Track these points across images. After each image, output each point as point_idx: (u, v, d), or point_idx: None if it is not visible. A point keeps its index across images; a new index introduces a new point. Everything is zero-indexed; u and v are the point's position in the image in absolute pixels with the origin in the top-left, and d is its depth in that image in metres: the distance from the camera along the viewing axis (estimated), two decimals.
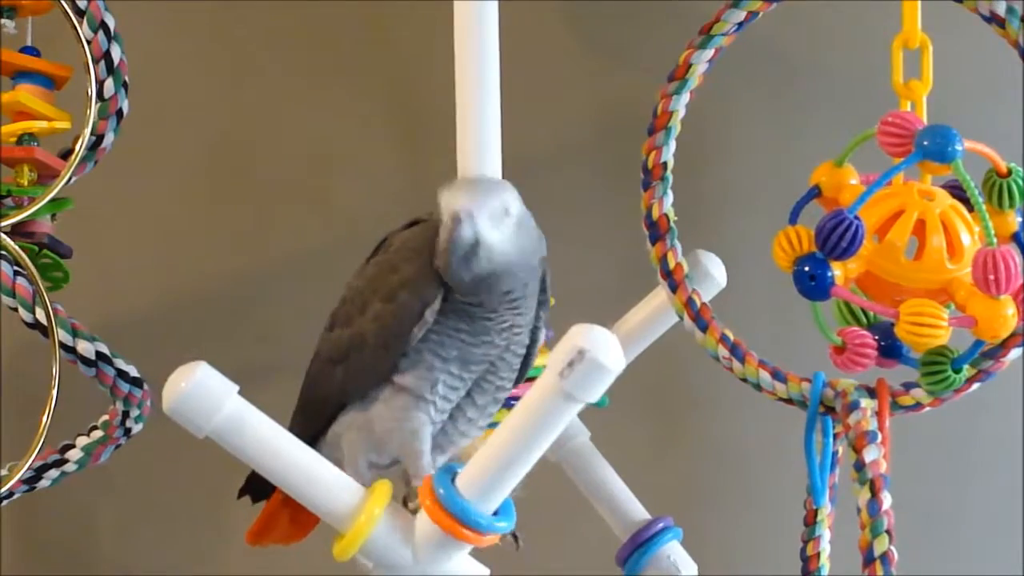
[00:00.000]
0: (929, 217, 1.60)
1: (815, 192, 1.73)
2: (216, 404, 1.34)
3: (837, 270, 1.58)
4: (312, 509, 1.42)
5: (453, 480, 1.37)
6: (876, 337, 1.64)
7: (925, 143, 1.57)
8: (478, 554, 1.47)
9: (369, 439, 1.50)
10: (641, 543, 1.81)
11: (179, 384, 1.34)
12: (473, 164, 1.79)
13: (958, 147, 1.57)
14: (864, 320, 1.69)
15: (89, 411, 1.81)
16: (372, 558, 1.42)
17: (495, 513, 1.39)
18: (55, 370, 1.68)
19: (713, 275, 1.81)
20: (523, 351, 1.51)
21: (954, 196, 1.64)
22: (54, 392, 1.68)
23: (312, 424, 1.50)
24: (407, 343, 1.46)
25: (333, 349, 1.52)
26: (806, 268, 1.59)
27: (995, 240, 1.55)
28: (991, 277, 1.51)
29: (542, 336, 1.54)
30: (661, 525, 1.81)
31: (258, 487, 1.59)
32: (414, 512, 1.44)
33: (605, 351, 1.27)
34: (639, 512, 1.84)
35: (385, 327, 1.46)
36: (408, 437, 1.48)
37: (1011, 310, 1.54)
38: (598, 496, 1.85)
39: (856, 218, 1.56)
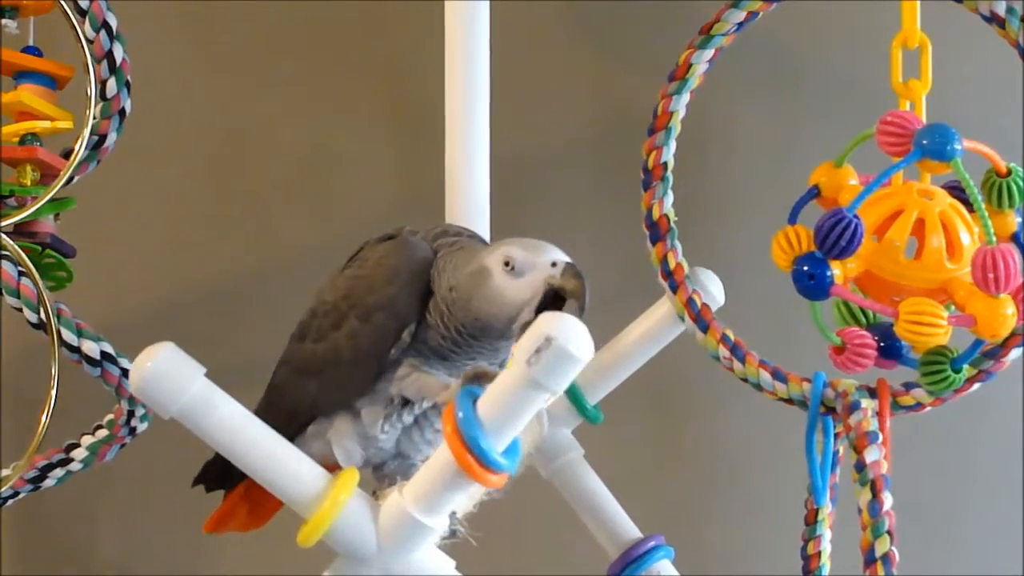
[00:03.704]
0: (928, 216, 1.60)
1: (814, 192, 1.74)
2: (183, 385, 1.34)
3: (836, 269, 1.58)
4: (277, 495, 1.41)
5: (475, 405, 1.34)
6: (876, 337, 1.64)
7: (924, 142, 1.57)
8: (467, 553, 1.47)
9: (359, 431, 1.50)
10: (632, 561, 1.80)
11: (145, 363, 1.34)
12: (460, 166, 1.79)
13: (957, 146, 1.57)
14: (864, 320, 1.69)
15: (93, 411, 1.81)
16: (336, 546, 1.41)
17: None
18: (54, 369, 1.68)
19: (712, 292, 1.80)
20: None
21: (954, 196, 1.64)
22: (53, 392, 1.68)
23: (283, 432, 1.45)
24: (384, 362, 1.46)
25: (305, 361, 1.51)
26: (805, 267, 1.59)
27: (995, 240, 1.55)
28: (991, 276, 1.51)
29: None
30: (652, 543, 1.80)
31: (213, 477, 1.59)
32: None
33: (573, 339, 1.26)
34: (630, 530, 1.83)
35: (360, 347, 1.46)
36: (421, 388, 1.47)
37: (1011, 309, 1.54)
38: (589, 513, 1.84)
39: (855, 217, 1.56)
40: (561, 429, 1.85)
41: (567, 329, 1.26)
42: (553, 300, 1.42)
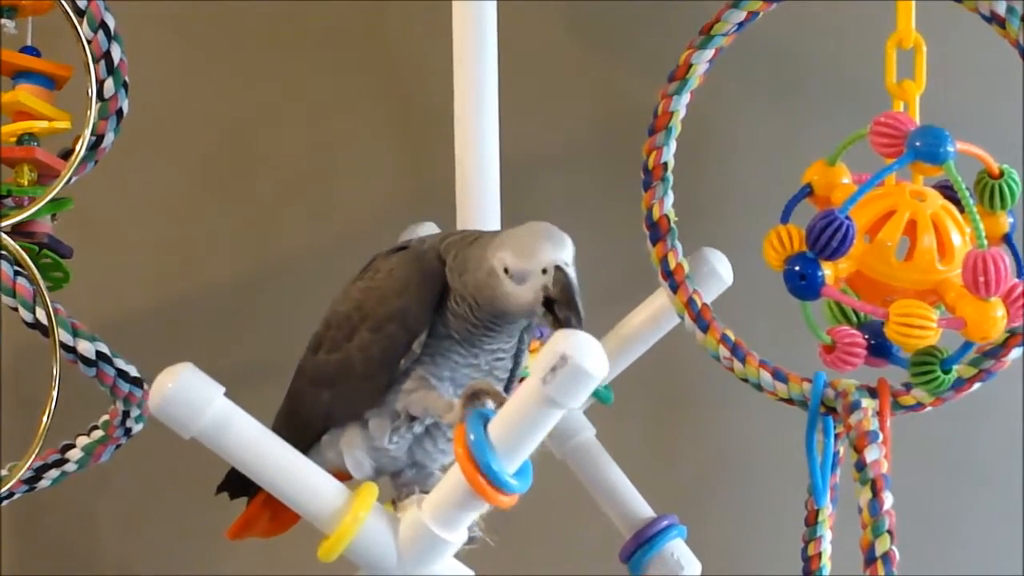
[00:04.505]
0: (920, 218, 1.60)
1: (807, 191, 1.74)
2: (202, 405, 1.35)
3: (827, 270, 1.58)
4: (297, 511, 1.42)
5: (486, 427, 1.35)
6: (866, 336, 1.64)
7: (917, 144, 1.57)
8: (474, 555, 1.47)
9: (368, 442, 1.50)
10: (645, 540, 1.81)
11: (165, 385, 1.34)
12: (471, 165, 1.79)
13: (950, 148, 1.57)
14: (854, 319, 1.69)
15: (90, 411, 1.81)
16: (356, 560, 1.42)
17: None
18: (55, 370, 1.68)
19: (720, 273, 1.81)
20: (505, 375, 1.51)
21: (946, 197, 1.64)
22: (54, 392, 1.68)
23: (299, 441, 1.46)
24: (394, 372, 1.46)
25: (319, 373, 1.52)
26: (796, 267, 1.59)
27: (986, 242, 1.55)
28: (981, 279, 1.51)
29: (525, 359, 1.54)
30: (666, 523, 1.81)
31: (236, 484, 1.59)
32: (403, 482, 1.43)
33: (588, 357, 1.27)
34: (644, 509, 1.84)
35: (372, 357, 1.47)
36: (427, 408, 1.47)
37: (1000, 312, 1.53)
38: (602, 493, 1.85)
39: (847, 218, 1.56)
40: (573, 410, 1.85)
41: (582, 347, 1.27)
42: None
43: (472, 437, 1.33)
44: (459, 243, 1.48)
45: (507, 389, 1.51)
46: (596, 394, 1.84)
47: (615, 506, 1.84)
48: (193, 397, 1.35)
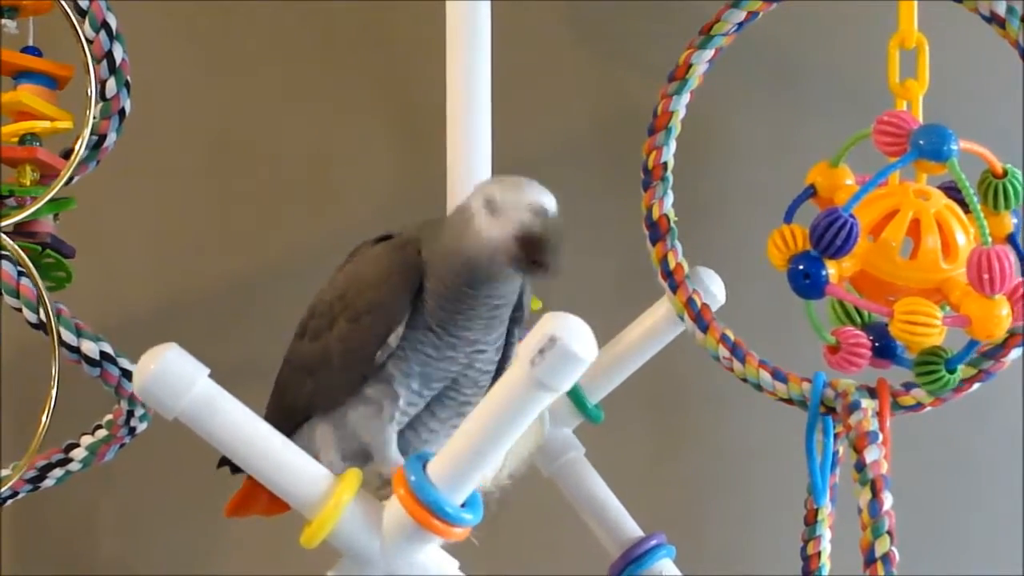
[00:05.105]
0: (924, 217, 1.60)
1: (810, 192, 1.74)
2: (185, 386, 1.34)
3: (831, 269, 1.59)
4: (280, 495, 1.41)
5: (424, 468, 1.36)
6: (871, 337, 1.64)
7: (921, 142, 1.57)
8: (460, 547, 1.47)
9: (340, 434, 1.50)
10: (633, 560, 1.80)
11: (149, 365, 1.34)
12: (462, 167, 1.79)
13: (953, 146, 1.57)
14: (858, 320, 1.69)
15: (93, 411, 1.81)
16: (340, 546, 1.41)
17: (463, 505, 1.37)
18: (55, 369, 1.68)
19: (713, 292, 1.80)
20: (490, 367, 1.50)
21: (950, 196, 1.64)
22: (54, 392, 1.68)
23: (284, 426, 1.46)
24: (371, 364, 1.46)
25: (303, 359, 1.52)
26: (800, 266, 1.59)
27: (990, 240, 1.55)
28: (986, 276, 1.51)
29: (514, 352, 1.52)
30: (654, 542, 1.80)
31: None
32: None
33: (577, 339, 1.25)
34: (632, 529, 1.83)
35: (349, 349, 1.47)
36: (373, 434, 1.47)
37: (1005, 310, 1.54)
38: (590, 512, 1.85)
39: (851, 216, 1.56)
40: (562, 428, 1.86)
41: (571, 329, 1.26)
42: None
43: (412, 479, 1.35)
44: (435, 223, 1.48)
45: (493, 383, 1.50)
46: (586, 412, 1.83)
47: (603, 525, 1.84)
48: (176, 377, 1.34)
